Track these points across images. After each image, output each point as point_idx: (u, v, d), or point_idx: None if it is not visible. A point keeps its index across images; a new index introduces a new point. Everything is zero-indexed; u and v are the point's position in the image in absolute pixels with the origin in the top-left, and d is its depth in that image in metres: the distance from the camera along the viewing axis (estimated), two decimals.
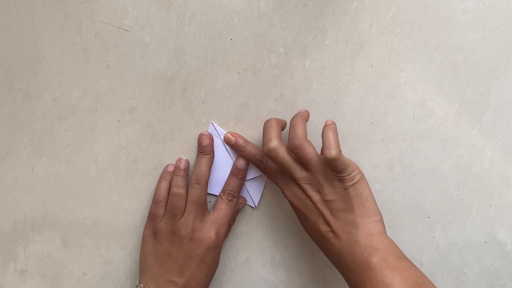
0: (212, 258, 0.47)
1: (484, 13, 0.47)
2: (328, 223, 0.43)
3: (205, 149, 0.48)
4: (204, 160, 0.48)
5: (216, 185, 0.50)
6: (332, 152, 0.42)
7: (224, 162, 0.50)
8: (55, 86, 0.50)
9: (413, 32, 0.48)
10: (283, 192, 0.46)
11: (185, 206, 0.47)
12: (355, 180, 0.43)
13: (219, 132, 0.49)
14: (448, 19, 0.47)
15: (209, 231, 0.47)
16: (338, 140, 0.43)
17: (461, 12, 0.47)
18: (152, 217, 0.48)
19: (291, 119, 0.45)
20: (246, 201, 0.50)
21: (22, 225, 0.52)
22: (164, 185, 0.49)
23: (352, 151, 0.49)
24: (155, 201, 0.48)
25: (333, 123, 0.44)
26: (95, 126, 0.50)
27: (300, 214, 0.46)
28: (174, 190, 0.47)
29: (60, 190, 0.51)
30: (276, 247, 0.52)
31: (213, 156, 0.49)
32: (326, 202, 0.44)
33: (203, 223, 0.47)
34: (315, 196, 0.44)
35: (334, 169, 0.43)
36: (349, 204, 0.43)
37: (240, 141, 0.48)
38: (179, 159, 0.49)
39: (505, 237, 0.50)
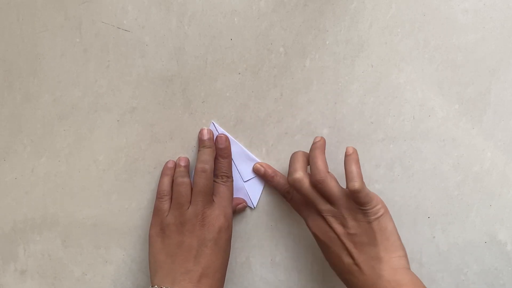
0: (225, 241, 0.47)
1: (484, 13, 0.47)
2: (352, 256, 0.44)
3: (205, 142, 0.48)
4: (207, 151, 0.48)
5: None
6: (355, 185, 0.42)
7: None
8: (55, 86, 0.50)
9: (413, 32, 0.48)
10: (307, 224, 0.47)
11: (191, 197, 0.47)
12: (379, 214, 0.44)
13: (219, 132, 0.49)
14: (448, 19, 0.47)
15: (218, 214, 0.46)
16: (361, 172, 0.44)
17: (461, 12, 0.47)
18: (158, 212, 0.47)
19: (310, 151, 0.46)
20: (246, 203, 0.50)
21: (22, 225, 0.52)
22: (167, 180, 0.48)
23: None
24: (159, 196, 0.48)
25: (355, 152, 0.45)
26: (95, 126, 0.50)
27: (323, 246, 0.46)
28: (179, 179, 0.47)
29: (60, 190, 0.51)
30: (276, 247, 0.51)
31: (214, 150, 0.48)
32: (349, 235, 0.44)
33: (211, 209, 0.46)
34: (339, 229, 0.44)
35: (358, 202, 0.43)
36: (372, 238, 0.43)
37: (269, 171, 0.49)
38: (179, 158, 0.49)
39: (505, 237, 0.50)
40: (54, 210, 0.52)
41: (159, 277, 0.45)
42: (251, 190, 0.50)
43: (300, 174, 0.45)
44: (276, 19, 0.48)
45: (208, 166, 0.47)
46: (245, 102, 0.49)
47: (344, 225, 0.44)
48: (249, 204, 0.51)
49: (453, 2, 0.47)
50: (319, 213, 0.45)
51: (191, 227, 0.46)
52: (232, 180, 0.49)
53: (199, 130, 0.49)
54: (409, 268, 0.43)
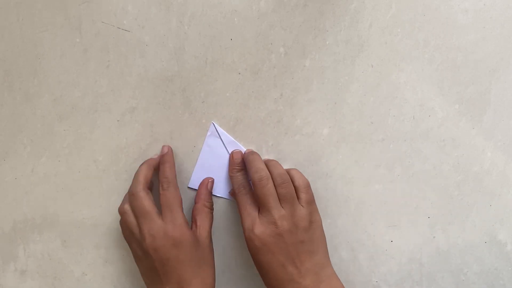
0: (186, 254, 0.45)
1: (484, 13, 0.47)
2: (296, 265, 0.44)
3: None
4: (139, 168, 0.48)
5: (219, 186, 0.50)
6: (305, 180, 0.46)
7: (224, 163, 0.50)
8: (55, 86, 0.50)
9: (413, 32, 0.48)
10: (250, 229, 0.45)
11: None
12: (318, 221, 0.46)
13: (219, 133, 0.49)
14: (448, 19, 0.47)
15: (164, 231, 0.45)
16: None
17: (461, 12, 0.47)
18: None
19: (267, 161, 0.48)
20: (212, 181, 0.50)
21: (22, 225, 0.52)
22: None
23: (352, 151, 0.49)
24: None
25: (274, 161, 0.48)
26: (95, 126, 0.50)
27: (266, 254, 0.44)
28: (119, 209, 0.47)
29: (60, 190, 0.51)
30: None
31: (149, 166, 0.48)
32: (299, 243, 0.44)
33: (154, 227, 0.45)
34: (290, 237, 0.44)
35: (307, 199, 0.45)
36: (316, 245, 0.45)
37: (238, 164, 0.49)
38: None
39: (505, 237, 0.50)
40: (54, 210, 0.52)
41: None
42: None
43: (266, 173, 0.46)
44: (276, 19, 0.48)
45: (133, 188, 0.45)
46: (245, 102, 0.49)
47: (294, 233, 0.44)
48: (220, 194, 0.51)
49: (453, 2, 0.47)
50: (271, 219, 0.44)
51: (146, 253, 0.44)
52: (176, 186, 0.47)
53: (199, 130, 0.49)
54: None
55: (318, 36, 0.48)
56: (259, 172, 0.45)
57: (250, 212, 0.46)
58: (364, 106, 0.49)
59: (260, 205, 0.46)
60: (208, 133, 0.49)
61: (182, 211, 0.46)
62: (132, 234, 0.45)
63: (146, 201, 0.44)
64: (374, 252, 0.51)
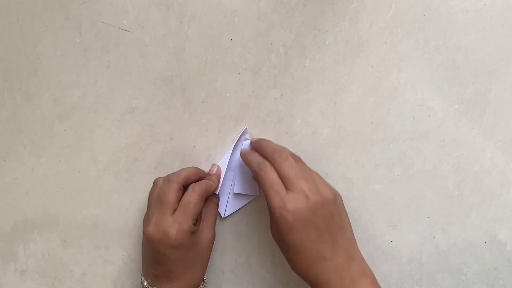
0: (182, 253, 0.45)
1: (484, 13, 0.47)
2: (330, 241, 0.42)
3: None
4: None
5: (243, 185, 0.50)
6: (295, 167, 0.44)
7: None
8: (55, 86, 0.50)
9: (413, 32, 0.48)
10: (283, 203, 0.42)
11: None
12: (341, 198, 0.45)
13: (244, 138, 0.49)
14: (448, 19, 0.47)
15: (168, 228, 0.45)
16: None
17: (461, 12, 0.47)
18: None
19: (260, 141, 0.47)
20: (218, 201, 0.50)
21: (22, 225, 0.52)
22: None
23: (352, 151, 0.49)
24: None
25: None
26: (95, 126, 0.50)
27: (296, 231, 0.42)
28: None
29: (60, 190, 0.51)
30: (276, 247, 0.51)
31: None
32: (331, 216, 0.43)
33: (163, 221, 0.45)
34: (322, 211, 0.42)
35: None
36: (344, 222, 0.44)
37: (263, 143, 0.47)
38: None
39: (505, 237, 0.50)
40: (54, 210, 0.52)
41: (143, 269, 0.47)
42: (232, 201, 0.50)
43: (285, 149, 0.45)
44: (276, 19, 0.48)
45: (173, 177, 0.46)
46: (245, 102, 0.49)
47: (325, 205, 0.42)
48: (221, 211, 0.50)
49: (453, 2, 0.47)
50: (301, 191, 0.41)
51: (147, 240, 0.45)
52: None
53: (199, 130, 0.49)
54: None
55: (318, 36, 0.48)
56: (279, 149, 0.45)
57: (277, 189, 0.42)
58: (364, 106, 0.49)
59: (286, 181, 0.43)
60: (243, 139, 0.49)
61: (194, 220, 0.45)
62: (154, 203, 0.46)
63: (173, 193, 0.45)
64: (374, 252, 0.51)
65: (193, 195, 0.45)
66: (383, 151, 0.49)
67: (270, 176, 0.43)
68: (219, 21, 0.48)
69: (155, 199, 0.46)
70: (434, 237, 0.50)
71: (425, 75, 0.48)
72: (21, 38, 0.49)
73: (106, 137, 0.50)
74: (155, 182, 0.47)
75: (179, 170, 0.47)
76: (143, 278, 0.47)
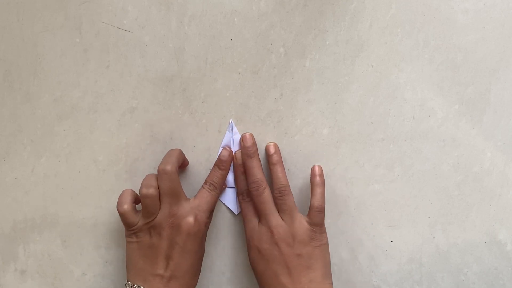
0: (194, 245, 0.46)
1: (484, 13, 0.47)
2: (291, 277, 0.44)
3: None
4: (169, 153, 0.47)
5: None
6: (322, 203, 0.46)
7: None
8: (55, 86, 0.50)
9: (413, 32, 0.48)
10: (251, 234, 0.46)
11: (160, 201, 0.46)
12: (323, 242, 0.46)
13: (233, 132, 0.49)
14: (448, 19, 0.47)
15: (187, 217, 0.45)
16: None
17: (461, 12, 0.47)
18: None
19: (271, 163, 0.48)
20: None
21: (22, 225, 0.52)
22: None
23: (352, 151, 0.49)
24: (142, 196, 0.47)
25: (322, 174, 0.47)
26: (95, 126, 0.50)
27: (261, 262, 0.45)
28: (143, 191, 0.45)
29: (60, 190, 0.51)
30: None
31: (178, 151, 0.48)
32: (295, 256, 0.44)
33: (181, 210, 0.45)
34: (286, 248, 0.44)
35: (315, 221, 0.45)
36: (314, 262, 0.45)
37: (240, 169, 0.48)
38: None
39: (505, 237, 0.50)
40: (54, 210, 0.52)
41: (132, 275, 0.46)
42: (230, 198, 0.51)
43: (261, 177, 0.46)
44: (276, 19, 0.48)
45: (169, 166, 0.45)
46: (245, 102, 0.49)
47: (291, 245, 0.45)
48: (233, 209, 0.51)
49: (453, 2, 0.47)
50: (268, 226, 0.45)
51: (160, 229, 0.45)
52: (219, 193, 0.48)
53: (199, 130, 0.49)
54: None
55: (318, 36, 0.48)
56: (256, 182, 0.46)
57: (250, 218, 0.47)
58: (364, 106, 0.49)
59: (259, 213, 0.46)
60: (227, 132, 0.49)
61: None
62: (148, 214, 0.45)
63: (177, 182, 0.45)
64: (374, 252, 0.51)
65: (176, 149, 0.47)
66: (383, 151, 0.49)
67: (247, 206, 0.48)
68: (219, 21, 0.48)
69: (166, 193, 0.45)
70: (434, 237, 0.50)
71: (425, 75, 0.48)
72: (21, 38, 0.49)
73: (106, 137, 0.50)
74: (145, 194, 0.45)
75: (169, 157, 0.46)
76: (134, 285, 0.45)
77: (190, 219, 0.45)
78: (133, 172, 0.51)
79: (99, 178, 0.51)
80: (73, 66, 0.49)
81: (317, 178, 0.47)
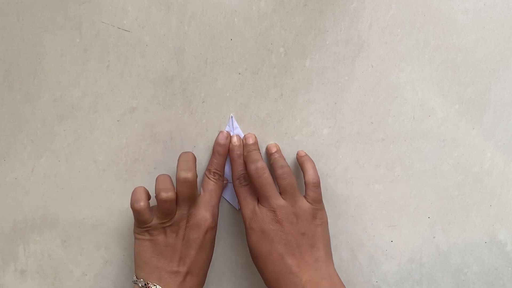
0: (210, 241, 0.47)
1: (484, 13, 0.47)
2: (296, 257, 0.44)
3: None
4: (183, 156, 0.47)
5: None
6: (316, 178, 0.46)
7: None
8: (55, 86, 0.50)
9: (413, 32, 0.48)
10: (251, 217, 0.46)
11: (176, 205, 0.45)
12: (324, 220, 0.46)
13: (234, 127, 0.49)
14: (448, 19, 0.47)
15: (204, 215, 0.46)
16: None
17: (461, 12, 0.47)
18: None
19: (271, 158, 0.48)
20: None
21: (22, 225, 0.52)
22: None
23: (352, 151, 0.49)
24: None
25: (307, 154, 0.48)
26: (95, 126, 0.50)
27: (265, 244, 0.45)
28: (162, 195, 0.44)
29: (60, 190, 0.51)
30: None
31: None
32: (299, 235, 0.44)
33: (198, 210, 0.46)
34: (289, 227, 0.44)
35: (315, 196, 0.45)
36: (318, 241, 0.45)
37: (237, 150, 0.48)
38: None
39: (505, 237, 0.50)
40: (54, 210, 0.52)
41: (145, 273, 0.45)
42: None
43: (262, 163, 0.45)
44: (276, 19, 0.48)
45: (190, 174, 0.44)
46: (245, 102, 0.49)
47: (294, 223, 0.44)
48: (235, 205, 0.51)
49: (453, 2, 0.47)
50: (270, 207, 0.45)
51: (177, 228, 0.45)
52: (223, 180, 0.49)
53: (199, 130, 0.49)
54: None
55: (318, 36, 0.48)
56: (255, 162, 0.45)
57: (249, 201, 0.46)
58: (364, 106, 0.49)
59: (259, 196, 0.46)
60: (227, 127, 0.49)
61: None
62: (165, 216, 0.45)
63: (196, 187, 0.45)
64: (374, 252, 0.51)
65: (188, 153, 0.47)
66: (383, 151, 0.49)
67: (244, 189, 0.47)
68: (219, 21, 0.48)
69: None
70: (434, 237, 0.50)
71: (425, 75, 0.48)
72: (21, 38, 0.49)
73: (106, 137, 0.50)
74: (164, 199, 0.44)
75: (186, 163, 0.45)
76: (149, 283, 0.44)
77: (207, 216, 0.46)
78: (133, 172, 0.51)
79: (99, 178, 0.51)
80: (73, 66, 0.49)
81: (304, 156, 0.47)
